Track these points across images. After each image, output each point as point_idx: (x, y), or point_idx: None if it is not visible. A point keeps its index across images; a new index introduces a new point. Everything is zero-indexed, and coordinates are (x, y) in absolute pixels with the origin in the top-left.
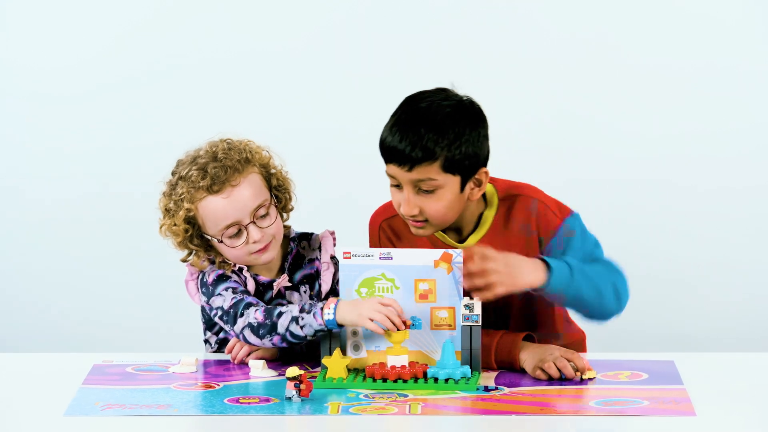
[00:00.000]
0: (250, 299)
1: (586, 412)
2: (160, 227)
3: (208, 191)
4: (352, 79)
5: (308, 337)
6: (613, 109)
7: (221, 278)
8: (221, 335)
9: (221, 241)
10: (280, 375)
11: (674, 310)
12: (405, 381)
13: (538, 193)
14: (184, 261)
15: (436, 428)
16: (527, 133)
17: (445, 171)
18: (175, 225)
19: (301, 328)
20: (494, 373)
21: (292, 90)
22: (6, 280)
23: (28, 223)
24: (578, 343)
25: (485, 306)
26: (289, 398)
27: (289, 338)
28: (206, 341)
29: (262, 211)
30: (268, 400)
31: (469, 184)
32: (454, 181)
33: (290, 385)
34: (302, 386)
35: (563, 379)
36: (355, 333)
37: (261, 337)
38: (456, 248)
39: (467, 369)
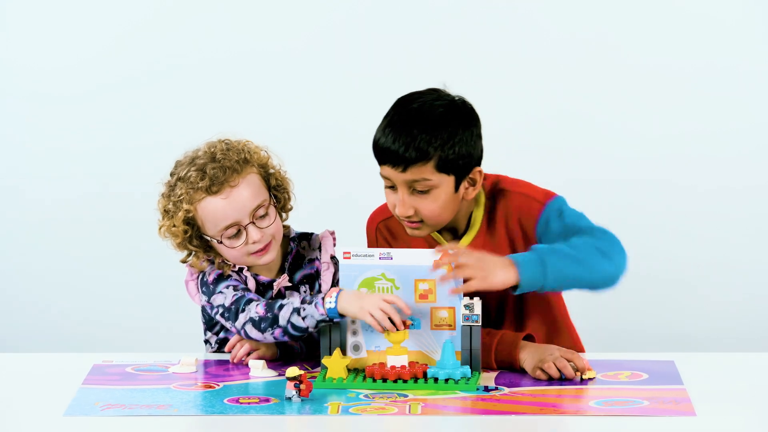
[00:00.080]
0: (251, 295)
1: (587, 412)
2: (159, 228)
3: (207, 192)
4: (352, 79)
5: (310, 329)
6: (613, 109)
7: (222, 277)
8: (221, 335)
9: (221, 242)
10: (280, 375)
11: (674, 310)
12: (405, 381)
13: (518, 185)
14: (183, 262)
15: (436, 428)
16: (527, 133)
17: (439, 171)
18: (174, 226)
19: (303, 319)
20: (494, 373)
21: (292, 90)
22: (6, 280)
23: (28, 223)
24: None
25: (485, 306)
26: (289, 398)
27: (291, 330)
28: (206, 341)
29: (261, 212)
30: (268, 400)
31: (464, 184)
32: (449, 181)
33: (290, 385)
34: (302, 386)
35: (563, 379)
36: (355, 333)
37: (263, 331)
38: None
39: (467, 369)
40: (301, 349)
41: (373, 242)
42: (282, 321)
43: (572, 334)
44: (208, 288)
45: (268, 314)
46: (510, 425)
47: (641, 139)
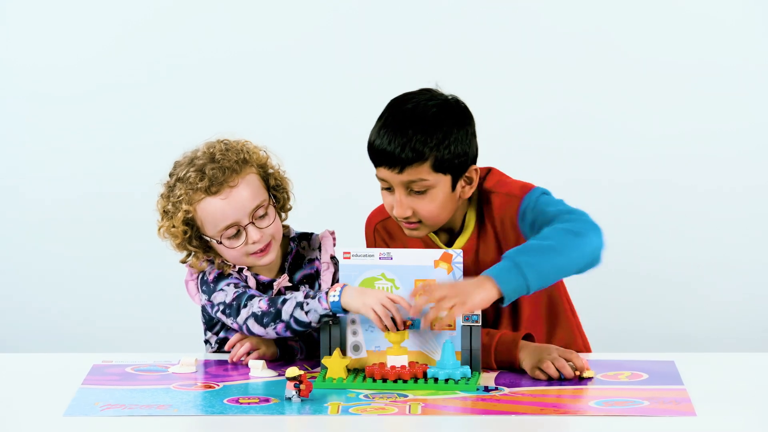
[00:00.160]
0: (253, 291)
1: (587, 413)
2: (159, 229)
3: (206, 192)
4: (352, 79)
5: (313, 324)
6: (613, 109)
7: (222, 275)
8: (221, 335)
9: (220, 242)
10: (279, 375)
11: (674, 310)
12: (405, 381)
13: (500, 184)
14: (183, 262)
15: (436, 428)
16: (527, 133)
17: (435, 171)
18: (173, 227)
19: (306, 313)
20: (494, 374)
21: (292, 90)
22: (6, 280)
23: (28, 223)
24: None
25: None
26: (289, 398)
27: (294, 325)
28: (206, 341)
29: (260, 212)
30: (267, 401)
31: (460, 183)
32: (445, 180)
33: (290, 385)
34: (302, 386)
35: (562, 379)
36: (355, 333)
37: (265, 326)
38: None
39: (467, 369)
40: (301, 349)
41: (371, 243)
42: (285, 315)
43: (573, 328)
44: (208, 286)
45: (271, 309)
46: (510, 425)
47: (641, 139)
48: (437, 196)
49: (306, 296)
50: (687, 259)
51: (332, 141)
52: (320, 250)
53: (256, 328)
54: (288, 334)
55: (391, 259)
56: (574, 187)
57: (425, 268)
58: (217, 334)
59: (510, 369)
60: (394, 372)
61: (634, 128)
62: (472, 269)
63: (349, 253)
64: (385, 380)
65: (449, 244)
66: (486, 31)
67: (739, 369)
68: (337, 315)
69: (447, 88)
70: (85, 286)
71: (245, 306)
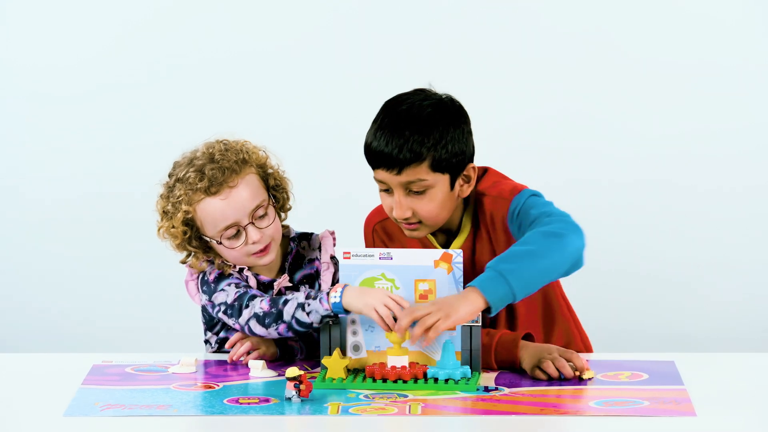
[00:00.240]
0: (254, 291)
1: (587, 413)
2: (158, 229)
3: (205, 193)
4: (352, 79)
5: (314, 324)
6: (613, 109)
7: (223, 275)
8: (221, 335)
9: (220, 243)
10: (279, 375)
11: (674, 310)
12: (405, 381)
13: (492, 187)
14: (183, 263)
15: (436, 428)
16: (527, 133)
17: (433, 171)
18: (173, 227)
19: (308, 314)
20: (494, 374)
21: (292, 90)
22: (6, 280)
23: (28, 223)
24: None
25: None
26: (289, 399)
27: (295, 326)
28: (206, 341)
29: (260, 212)
30: (267, 401)
31: (459, 181)
32: (444, 179)
33: (290, 385)
34: (302, 386)
35: (562, 379)
36: (355, 333)
37: (267, 327)
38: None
39: (467, 369)
40: (301, 349)
41: (370, 244)
42: (286, 316)
43: (571, 326)
44: (209, 287)
45: (273, 309)
46: (510, 425)
47: (641, 139)
48: (436, 195)
49: (307, 297)
50: (687, 259)
51: (332, 141)
52: (320, 250)
53: (258, 329)
54: (290, 334)
55: (391, 259)
56: (574, 187)
57: (425, 268)
58: (217, 334)
59: (510, 369)
60: (394, 372)
61: (634, 128)
62: (469, 270)
63: (349, 253)
64: (385, 380)
65: (446, 245)
66: (486, 31)
67: (739, 369)
68: (339, 315)
69: (447, 88)
70: (85, 286)
71: (247, 306)
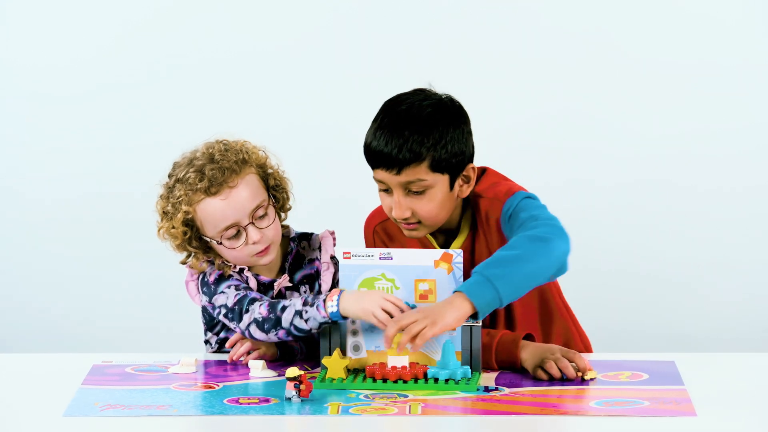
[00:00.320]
0: (254, 294)
1: (587, 413)
2: (159, 230)
3: (205, 193)
4: (352, 79)
5: (313, 330)
6: (613, 109)
7: (223, 277)
8: (222, 335)
9: (220, 243)
10: (279, 375)
11: (674, 310)
12: (405, 381)
13: (488, 189)
14: (183, 263)
15: (437, 429)
16: (527, 133)
17: (433, 171)
18: (173, 228)
19: (306, 321)
20: (494, 374)
21: (292, 90)
22: (6, 280)
23: (28, 223)
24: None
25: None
26: (289, 399)
27: (295, 332)
28: (206, 342)
29: (260, 212)
30: (267, 401)
31: (458, 182)
32: (443, 179)
33: (290, 385)
34: (302, 387)
35: (564, 380)
36: (355, 333)
37: (267, 332)
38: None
39: (467, 369)
40: (301, 350)
41: (370, 245)
42: (285, 323)
43: (569, 324)
44: (209, 288)
45: (271, 315)
46: (510, 426)
47: (641, 139)
48: (436, 195)
49: (304, 303)
50: (687, 259)
51: (332, 141)
52: (320, 250)
53: (258, 334)
54: (290, 339)
55: (391, 259)
56: (574, 187)
57: (425, 268)
58: (217, 334)
59: (510, 369)
60: (394, 372)
61: (634, 128)
62: (468, 270)
63: (349, 253)
64: (385, 380)
65: (446, 245)
66: (486, 31)
67: (739, 369)
68: (338, 322)
69: (447, 88)
70: (85, 286)
71: (247, 311)
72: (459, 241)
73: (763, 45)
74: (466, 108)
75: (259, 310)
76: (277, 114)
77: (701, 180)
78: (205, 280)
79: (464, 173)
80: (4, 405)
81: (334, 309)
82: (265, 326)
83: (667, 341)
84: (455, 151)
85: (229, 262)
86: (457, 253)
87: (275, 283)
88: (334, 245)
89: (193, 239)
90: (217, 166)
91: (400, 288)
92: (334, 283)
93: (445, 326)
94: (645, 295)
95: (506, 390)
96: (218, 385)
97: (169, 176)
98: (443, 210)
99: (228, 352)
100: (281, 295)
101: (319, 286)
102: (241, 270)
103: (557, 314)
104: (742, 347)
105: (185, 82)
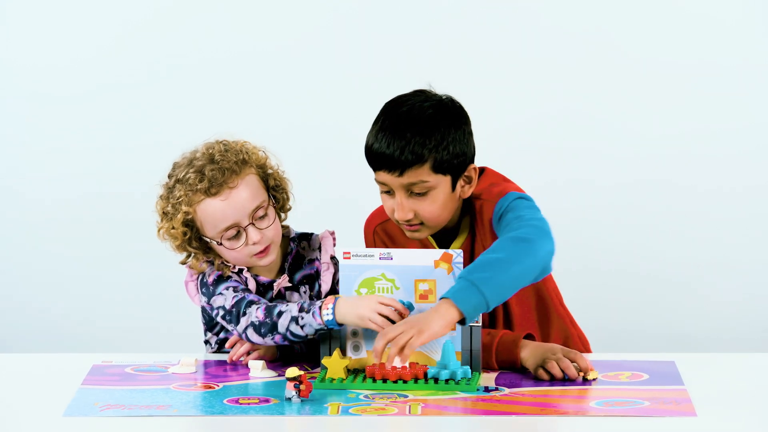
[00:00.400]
0: (252, 297)
1: (587, 413)
2: (158, 230)
3: (205, 194)
4: (352, 79)
5: (309, 336)
6: (613, 109)
7: (222, 278)
8: (221, 335)
9: (220, 243)
10: (279, 375)
11: (674, 310)
12: (405, 381)
13: (484, 191)
14: (183, 263)
15: (437, 429)
16: (527, 133)
17: (435, 172)
18: (173, 228)
19: (302, 327)
20: (494, 374)
21: (292, 90)
22: (6, 280)
23: (28, 223)
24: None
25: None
26: (289, 399)
27: (291, 338)
28: (206, 342)
29: (260, 212)
30: (267, 401)
31: (460, 182)
32: (445, 181)
33: (290, 385)
34: (302, 387)
35: (566, 380)
36: (355, 333)
37: (263, 336)
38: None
39: (467, 369)
40: (301, 350)
41: (370, 245)
42: (281, 329)
43: (566, 322)
44: (208, 289)
45: (267, 320)
46: (510, 426)
47: (641, 139)
48: (438, 196)
49: (300, 309)
50: (687, 259)
51: (332, 141)
52: (320, 251)
53: (255, 338)
54: (286, 343)
55: (391, 259)
56: (574, 187)
57: (425, 269)
58: (217, 334)
59: (511, 369)
60: (394, 372)
61: (634, 128)
62: None
63: (349, 253)
64: (385, 380)
65: (446, 246)
66: (486, 31)
67: (739, 369)
68: (334, 329)
69: (447, 89)
70: (85, 286)
71: (244, 314)
72: (459, 241)
73: (763, 45)
74: (466, 108)
75: (256, 313)
76: (277, 114)
77: (701, 180)
78: (204, 280)
79: (466, 174)
80: (4, 405)
81: (330, 317)
82: (262, 330)
83: (667, 341)
84: (457, 152)
85: (228, 262)
86: (457, 253)
87: (275, 284)
88: (334, 245)
89: (193, 240)
90: (217, 167)
91: (400, 288)
92: (334, 284)
93: (432, 334)
94: (645, 295)
95: (506, 390)
96: (218, 386)
97: (169, 176)
98: (445, 211)
99: (228, 352)
100: (281, 296)
101: (319, 286)
102: (240, 271)
103: (555, 315)
104: (742, 347)
105: (185, 82)
